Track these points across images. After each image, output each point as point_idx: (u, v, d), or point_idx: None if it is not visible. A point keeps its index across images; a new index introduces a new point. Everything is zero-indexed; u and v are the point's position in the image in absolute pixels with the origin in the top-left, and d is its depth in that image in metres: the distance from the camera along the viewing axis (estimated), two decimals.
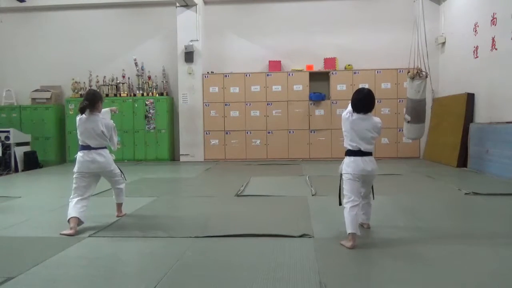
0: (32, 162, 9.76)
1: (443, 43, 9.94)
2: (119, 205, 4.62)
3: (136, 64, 10.57)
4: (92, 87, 10.74)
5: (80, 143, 4.24)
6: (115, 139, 4.41)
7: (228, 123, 10.37)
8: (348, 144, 3.68)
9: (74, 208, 4.04)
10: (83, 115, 4.17)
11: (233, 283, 2.75)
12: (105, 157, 4.26)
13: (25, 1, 10.94)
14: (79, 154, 4.19)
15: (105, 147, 4.30)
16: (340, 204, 3.70)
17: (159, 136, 10.47)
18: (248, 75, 10.36)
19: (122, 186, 4.54)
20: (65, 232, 3.92)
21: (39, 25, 11.31)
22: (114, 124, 4.40)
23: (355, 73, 10.14)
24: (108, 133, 4.26)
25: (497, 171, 6.96)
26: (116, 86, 10.70)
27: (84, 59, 10.99)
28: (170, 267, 3.03)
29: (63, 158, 10.94)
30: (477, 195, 5.49)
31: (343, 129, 3.75)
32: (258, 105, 10.29)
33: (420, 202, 5.20)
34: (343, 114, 3.78)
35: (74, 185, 4.15)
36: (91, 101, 4.18)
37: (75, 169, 4.18)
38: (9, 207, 5.34)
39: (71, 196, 4.14)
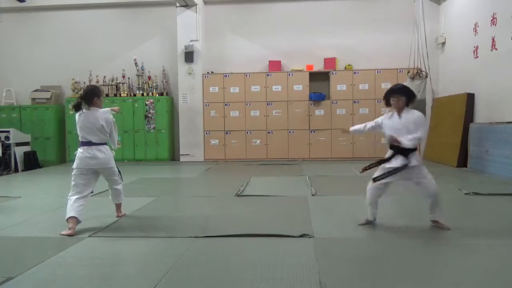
0: (32, 162, 9.76)
1: (443, 43, 9.94)
2: (118, 206, 4.60)
3: (136, 64, 10.57)
4: None
5: (80, 139, 4.21)
6: (115, 136, 4.36)
7: (228, 123, 10.37)
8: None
9: (72, 207, 4.01)
10: (82, 111, 4.16)
11: (233, 283, 2.75)
12: (106, 154, 4.22)
13: (25, 1, 10.93)
14: (79, 150, 4.16)
15: (105, 143, 4.28)
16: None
17: (159, 136, 10.46)
18: (248, 75, 10.35)
19: (120, 186, 4.49)
20: (64, 232, 3.92)
21: (39, 25, 11.31)
22: (114, 119, 4.36)
23: (355, 73, 10.14)
24: (108, 127, 4.22)
25: (497, 171, 6.96)
26: (116, 86, 10.70)
27: (84, 59, 10.99)
28: (170, 267, 3.03)
29: (63, 158, 10.94)
30: (477, 195, 5.49)
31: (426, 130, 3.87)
32: (258, 105, 10.29)
33: (420, 202, 5.18)
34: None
35: (72, 182, 4.12)
36: (84, 96, 4.18)
37: (74, 165, 4.14)
38: (9, 207, 5.34)
39: (70, 194, 4.11)
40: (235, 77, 10.38)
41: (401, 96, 3.87)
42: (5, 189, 6.87)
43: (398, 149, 3.85)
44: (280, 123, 10.25)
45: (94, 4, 11.02)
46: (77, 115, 4.20)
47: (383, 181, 3.89)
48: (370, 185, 3.99)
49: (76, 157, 4.17)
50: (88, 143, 4.16)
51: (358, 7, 10.52)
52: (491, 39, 7.60)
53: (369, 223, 4.04)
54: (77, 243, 3.67)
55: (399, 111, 3.91)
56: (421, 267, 3.01)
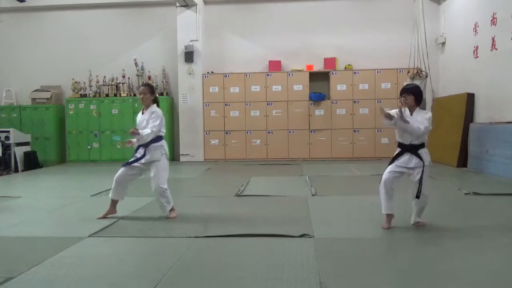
0: (32, 162, 9.75)
1: (443, 43, 9.94)
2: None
3: (136, 64, 10.57)
4: (92, 87, 10.76)
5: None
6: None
7: (228, 123, 10.37)
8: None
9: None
10: None
11: (233, 283, 2.75)
12: None
13: (25, 1, 10.93)
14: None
15: None
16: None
17: None
18: (248, 75, 10.35)
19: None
20: (173, 215, 4.49)
21: (39, 25, 11.30)
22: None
23: (355, 73, 10.14)
24: None
25: (497, 171, 6.96)
26: (116, 86, 10.70)
27: (84, 59, 10.98)
28: (170, 267, 3.03)
29: (63, 158, 10.94)
30: (477, 195, 5.49)
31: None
32: (258, 105, 10.28)
33: None
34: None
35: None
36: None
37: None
38: (9, 207, 5.34)
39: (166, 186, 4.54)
40: (235, 77, 10.38)
41: (408, 95, 4.00)
42: (5, 189, 6.86)
43: (405, 146, 4.07)
44: (280, 123, 10.25)
45: (94, 4, 11.02)
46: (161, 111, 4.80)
47: (396, 171, 4.07)
48: (383, 180, 4.05)
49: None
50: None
51: (358, 7, 10.52)
52: (491, 39, 7.60)
53: (389, 225, 4.00)
54: (77, 243, 3.67)
55: (410, 109, 4.07)
56: (421, 267, 3.01)
